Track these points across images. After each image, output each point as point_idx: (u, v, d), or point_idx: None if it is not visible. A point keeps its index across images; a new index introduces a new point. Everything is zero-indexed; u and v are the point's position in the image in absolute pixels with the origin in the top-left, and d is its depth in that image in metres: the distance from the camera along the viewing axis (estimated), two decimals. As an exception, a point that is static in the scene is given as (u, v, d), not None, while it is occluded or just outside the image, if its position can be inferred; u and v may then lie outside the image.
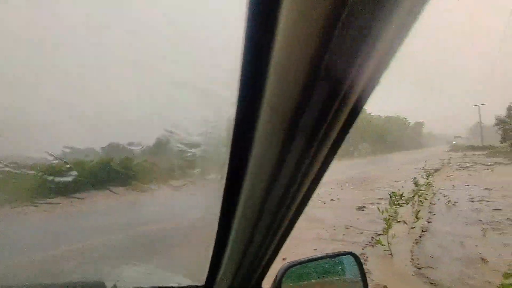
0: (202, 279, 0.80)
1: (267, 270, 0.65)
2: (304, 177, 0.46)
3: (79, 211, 6.65)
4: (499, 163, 17.91)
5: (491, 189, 8.86)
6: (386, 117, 54.75)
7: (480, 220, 5.57)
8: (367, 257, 4.13)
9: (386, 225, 4.53)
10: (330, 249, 4.47)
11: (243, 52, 0.35)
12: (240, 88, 0.38)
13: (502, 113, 33.34)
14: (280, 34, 0.30)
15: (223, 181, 0.52)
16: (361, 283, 0.92)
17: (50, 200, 5.90)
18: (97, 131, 7.23)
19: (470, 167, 16.43)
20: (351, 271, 0.95)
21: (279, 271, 0.79)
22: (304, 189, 0.48)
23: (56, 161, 4.47)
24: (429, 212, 6.34)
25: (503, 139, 31.43)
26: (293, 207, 0.51)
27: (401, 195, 5.48)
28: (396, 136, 55.43)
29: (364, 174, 16.12)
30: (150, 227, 5.56)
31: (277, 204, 0.50)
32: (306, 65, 0.30)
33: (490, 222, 5.35)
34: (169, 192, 7.72)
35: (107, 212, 6.92)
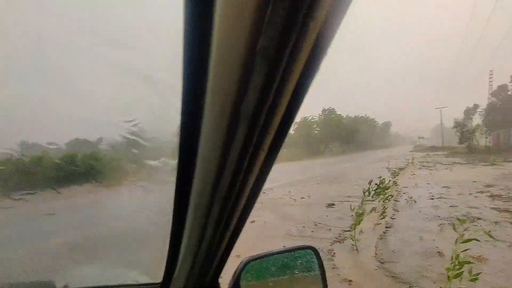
0: (160, 276, 0.79)
1: (222, 267, 0.65)
2: (250, 168, 0.45)
3: (28, 211, 6.31)
4: (457, 163, 19.17)
5: (449, 187, 9.48)
6: (355, 117, 56.59)
7: (438, 216, 5.95)
8: (334, 252, 4.27)
9: (353, 222, 4.72)
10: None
11: (183, 38, 0.34)
12: (183, 76, 0.37)
13: (461, 116, 35.68)
14: (217, 17, 0.31)
15: (175, 174, 0.51)
16: (320, 277, 0.95)
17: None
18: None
19: (431, 166, 17.42)
20: (310, 265, 0.97)
21: (238, 266, 0.80)
22: (252, 180, 0.48)
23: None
24: (393, 209, 6.67)
25: (461, 141, 33.66)
26: (242, 201, 0.51)
27: (369, 192, 5.74)
28: (365, 136, 57.53)
29: (334, 172, 16.57)
30: (107, 225, 5.39)
31: (225, 197, 0.49)
32: (243, 46, 0.31)
33: (447, 218, 5.73)
34: (125, 190, 7.53)
35: (58, 212, 6.56)
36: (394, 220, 5.84)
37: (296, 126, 43.50)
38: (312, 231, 5.36)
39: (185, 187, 0.51)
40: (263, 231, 5.51)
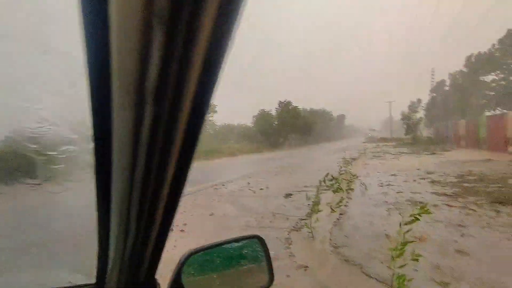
0: (94, 276, 0.72)
1: (156, 263, 0.60)
2: (166, 153, 0.40)
3: None
4: (403, 153, 20.75)
5: (396, 175, 10.23)
6: (311, 109, 58.37)
7: (386, 201, 6.39)
8: (291, 241, 4.38)
9: (310, 211, 4.88)
10: (257, 236, 4.62)
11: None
12: (87, 54, 0.33)
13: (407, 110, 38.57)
14: None
15: (93, 169, 0.46)
16: (266, 266, 0.94)
17: None
18: None
19: (381, 156, 18.64)
20: (256, 254, 0.95)
21: (179, 260, 0.75)
22: (171, 167, 0.43)
23: None
24: (347, 197, 7.01)
25: (407, 132, 36.53)
26: (164, 189, 0.46)
27: (325, 182, 5.97)
28: (321, 128, 59.80)
29: (293, 164, 16.99)
30: (35, 229, 4.96)
31: (143, 187, 0.44)
32: (140, 10, 0.27)
33: (394, 203, 6.17)
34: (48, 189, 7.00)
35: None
36: (348, 207, 6.14)
37: (254, 118, 43.99)
38: (270, 221, 5.45)
39: (103, 179, 0.46)
40: (221, 224, 5.47)
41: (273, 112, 43.25)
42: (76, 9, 0.32)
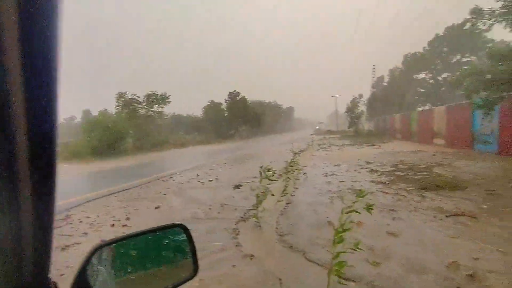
0: None
1: (47, 261, 0.53)
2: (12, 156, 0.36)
3: None
4: (347, 144, 22.12)
5: (340, 165, 10.86)
6: (260, 101, 59.06)
7: (330, 190, 6.75)
8: (238, 231, 4.40)
9: (257, 201, 4.95)
10: (204, 228, 4.57)
11: None
12: None
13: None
14: None
15: None
16: (190, 255, 0.89)
17: None
18: None
19: (327, 148, 19.63)
20: (179, 244, 0.91)
21: (87, 254, 0.67)
22: (26, 170, 0.38)
23: None
24: (294, 187, 7.26)
25: (350, 125, 39.00)
26: (26, 182, 0.40)
27: (273, 173, 6.07)
28: (272, 120, 61.04)
29: (243, 155, 17.10)
30: None
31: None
32: None
33: (336, 191, 6.55)
34: None
35: None
36: (294, 196, 6.36)
37: (204, 109, 43.30)
38: (218, 212, 5.41)
39: None
40: (167, 216, 5.30)
41: (223, 105, 43.08)
42: None
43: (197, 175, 9.98)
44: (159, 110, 29.46)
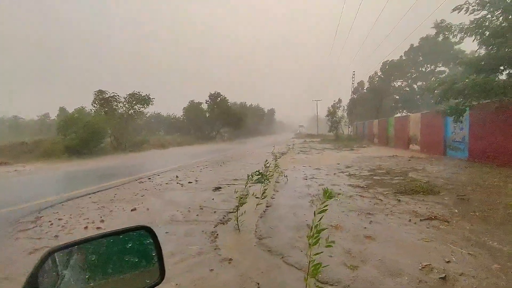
0: None
1: None
2: None
3: None
4: (327, 148, 22.47)
5: (320, 169, 11.00)
6: (242, 103, 58.99)
7: (309, 193, 6.80)
8: (217, 234, 4.34)
9: (237, 204, 4.90)
10: (182, 230, 4.47)
11: None
12: None
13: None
14: None
15: None
16: (155, 258, 0.85)
17: None
18: None
19: (307, 151, 19.86)
20: (145, 248, 0.85)
21: (38, 260, 0.61)
22: None
23: None
24: (274, 189, 7.27)
25: (330, 129, 39.72)
26: None
27: (253, 176, 6.04)
28: (253, 123, 61.01)
29: (223, 157, 16.98)
30: None
31: None
32: None
33: (315, 194, 6.61)
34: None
35: None
36: (274, 199, 6.36)
37: (184, 110, 42.66)
38: (197, 215, 5.32)
39: None
40: (144, 218, 5.15)
41: (204, 105, 42.75)
42: None
43: (177, 176, 9.80)
44: (140, 110, 28.76)
